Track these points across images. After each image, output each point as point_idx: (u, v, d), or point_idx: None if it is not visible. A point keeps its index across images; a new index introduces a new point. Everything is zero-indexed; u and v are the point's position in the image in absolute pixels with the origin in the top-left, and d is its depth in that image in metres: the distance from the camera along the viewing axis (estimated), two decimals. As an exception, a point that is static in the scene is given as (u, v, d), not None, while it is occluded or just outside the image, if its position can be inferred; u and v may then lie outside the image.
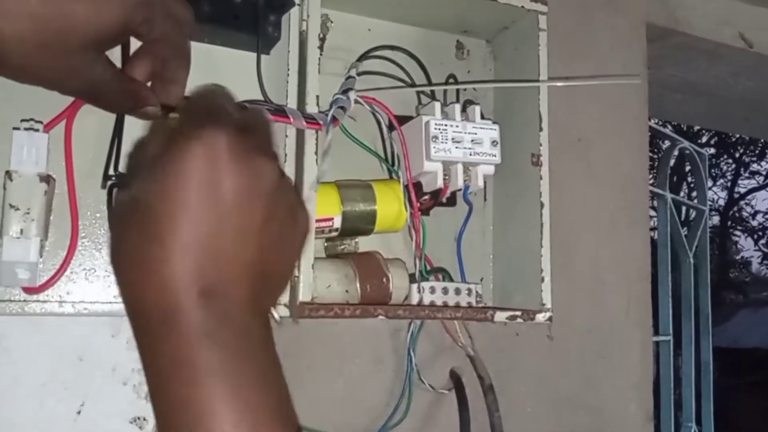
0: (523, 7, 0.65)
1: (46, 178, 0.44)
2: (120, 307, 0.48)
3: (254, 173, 0.33)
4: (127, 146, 0.50)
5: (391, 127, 0.64)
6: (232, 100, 0.41)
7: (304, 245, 0.38)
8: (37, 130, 0.44)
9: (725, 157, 7.38)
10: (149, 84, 0.44)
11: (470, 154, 0.62)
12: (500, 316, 0.60)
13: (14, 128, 0.45)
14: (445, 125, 0.61)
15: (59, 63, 0.37)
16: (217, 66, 0.55)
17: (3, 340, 0.51)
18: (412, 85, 0.66)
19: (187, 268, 0.31)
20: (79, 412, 0.53)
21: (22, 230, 0.42)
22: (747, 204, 7.70)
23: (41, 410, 0.53)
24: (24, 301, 0.45)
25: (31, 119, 0.45)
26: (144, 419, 0.55)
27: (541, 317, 0.61)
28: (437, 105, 0.62)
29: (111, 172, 0.48)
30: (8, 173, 0.43)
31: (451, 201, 0.69)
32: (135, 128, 0.50)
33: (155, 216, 0.31)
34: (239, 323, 0.32)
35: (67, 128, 0.46)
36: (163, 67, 0.43)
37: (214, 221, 0.31)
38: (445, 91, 0.69)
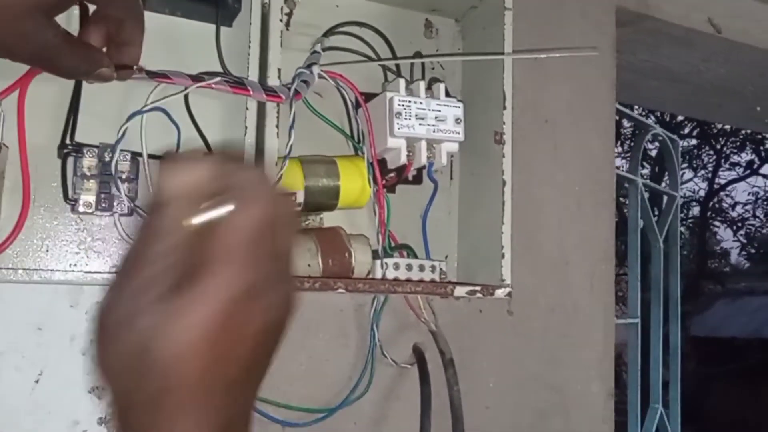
0: (489, -15, 0.65)
1: (-2, 146, 0.44)
2: (78, 275, 0.49)
3: (274, 316, 0.30)
4: (84, 116, 0.50)
5: (357, 104, 0.64)
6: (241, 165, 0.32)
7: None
8: (-12, 100, 0.44)
9: (706, 148, 7.46)
10: (105, 49, 0.44)
11: (434, 131, 0.62)
12: (460, 291, 0.61)
13: (-35, 95, 0.44)
14: (409, 102, 0.62)
15: (9, 28, 0.36)
16: (177, 37, 0.55)
17: (-42, 307, 0.51)
18: (378, 59, 0.67)
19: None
20: (37, 381, 0.54)
21: (-28, 196, 0.42)
22: (727, 195, 7.80)
23: (-1, 379, 0.53)
24: (-22, 268, 0.45)
25: (-17, 88, 0.45)
26: (102, 389, 0.55)
27: (500, 292, 0.62)
28: (402, 81, 0.63)
29: (67, 141, 0.48)
30: (-40, 140, 0.43)
31: (417, 179, 0.69)
32: (91, 98, 0.51)
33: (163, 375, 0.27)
34: None
35: (20, 98, 0.46)
36: (119, 29, 0.43)
37: (227, 360, 0.28)
38: (411, 68, 0.69)
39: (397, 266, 0.62)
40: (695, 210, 7.56)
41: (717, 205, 7.75)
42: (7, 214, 0.48)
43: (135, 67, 0.45)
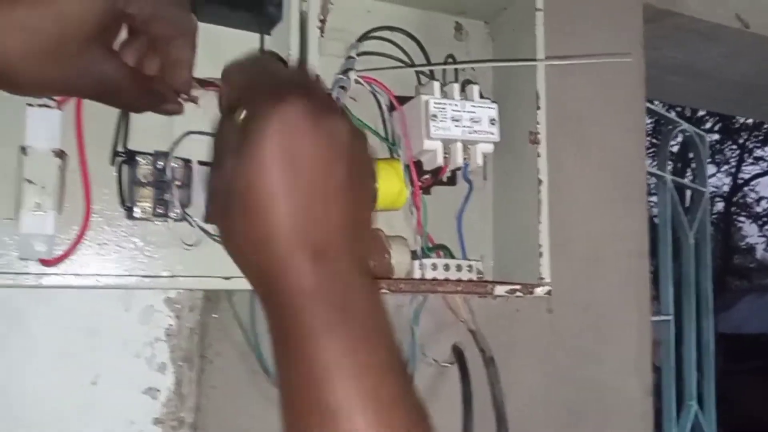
0: (519, -13, 0.66)
1: (60, 154, 0.46)
2: (132, 280, 0.51)
3: (330, 134, 0.35)
4: (135, 123, 0.51)
5: (391, 108, 0.65)
6: (280, 62, 0.43)
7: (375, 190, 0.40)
8: (50, 107, 0.46)
9: (729, 143, 7.36)
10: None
11: (469, 133, 0.63)
12: (500, 290, 0.62)
13: (28, 104, 0.46)
14: (445, 104, 0.62)
15: (69, 65, 0.37)
16: (219, 45, 0.57)
17: (19, 313, 0.53)
18: (412, 65, 0.68)
19: (293, 236, 0.33)
20: (93, 383, 0.55)
21: (38, 204, 0.44)
22: (751, 190, 7.68)
23: (56, 381, 0.55)
24: (39, 274, 0.47)
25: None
26: (156, 390, 0.57)
27: (540, 291, 0.63)
28: (436, 84, 0.64)
29: (119, 148, 0.50)
30: (23, 148, 0.45)
31: (452, 180, 0.70)
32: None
33: (253, 197, 0.33)
34: (349, 280, 0.34)
35: (78, 105, 0.47)
36: (168, 48, 0.42)
37: (306, 187, 0.34)
38: (444, 71, 0.70)
39: (434, 266, 0.63)
40: (719, 205, 7.46)
41: (741, 200, 7.64)
42: (64, 221, 0.50)
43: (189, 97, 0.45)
